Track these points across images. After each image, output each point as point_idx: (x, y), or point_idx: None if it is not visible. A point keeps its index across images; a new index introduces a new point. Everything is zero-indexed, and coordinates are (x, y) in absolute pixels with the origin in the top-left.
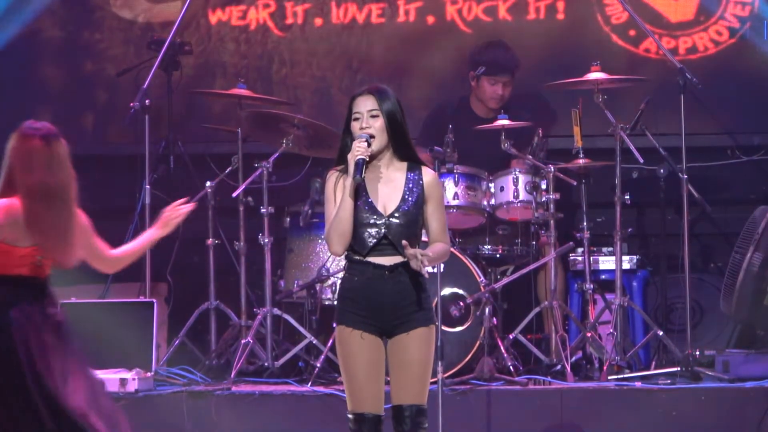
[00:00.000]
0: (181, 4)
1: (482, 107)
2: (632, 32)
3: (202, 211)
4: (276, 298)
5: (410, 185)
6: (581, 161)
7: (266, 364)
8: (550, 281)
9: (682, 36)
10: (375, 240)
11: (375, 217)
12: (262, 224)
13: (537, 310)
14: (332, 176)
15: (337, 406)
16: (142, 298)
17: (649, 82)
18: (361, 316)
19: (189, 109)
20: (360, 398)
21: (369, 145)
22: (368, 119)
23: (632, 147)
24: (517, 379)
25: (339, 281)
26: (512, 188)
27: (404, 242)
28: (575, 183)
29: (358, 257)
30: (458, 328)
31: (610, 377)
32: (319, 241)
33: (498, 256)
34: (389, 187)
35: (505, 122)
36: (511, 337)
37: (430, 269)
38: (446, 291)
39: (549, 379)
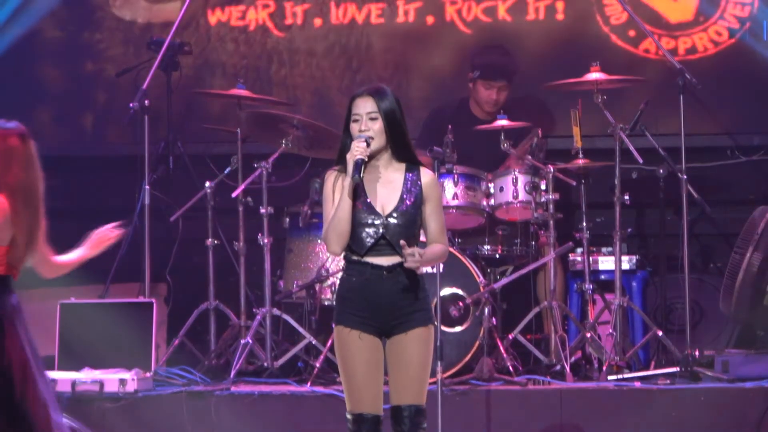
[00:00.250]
0: (181, 5)
1: (480, 109)
2: (632, 32)
3: (202, 211)
4: (275, 298)
5: (408, 186)
6: (581, 161)
7: (266, 364)
8: (549, 281)
9: (681, 36)
10: (373, 240)
11: (373, 217)
12: (261, 224)
13: (536, 310)
14: (331, 176)
15: (337, 407)
16: (141, 299)
17: (648, 83)
18: (359, 317)
19: (188, 110)
20: (359, 398)
21: (368, 145)
22: (367, 122)
23: (632, 147)
24: (516, 379)
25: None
26: (512, 188)
27: (402, 242)
28: (575, 183)
29: (356, 257)
30: (458, 329)
31: (609, 377)
32: (319, 241)
33: (497, 256)
34: (387, 188)
35: (504, 123)
36: (510, 337)
37: (429, 269)
38: (446, 291)
39: (548, 379)
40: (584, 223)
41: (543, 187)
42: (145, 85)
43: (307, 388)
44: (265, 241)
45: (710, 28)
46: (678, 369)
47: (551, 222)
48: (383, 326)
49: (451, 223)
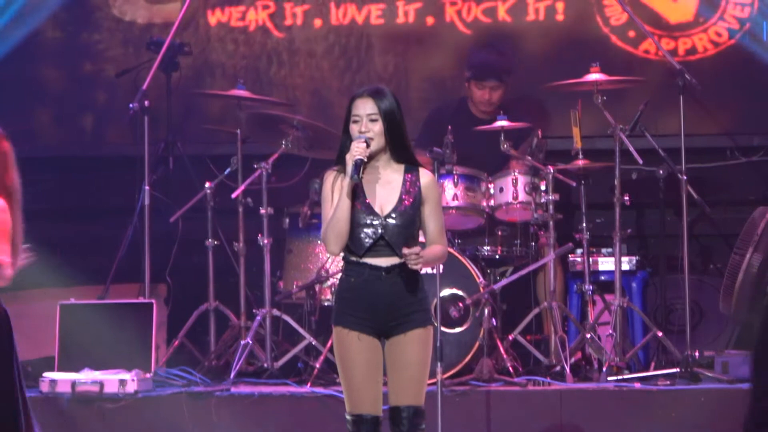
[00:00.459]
0: (180, 5)
1: (478, 109)
2: (632, 33)
3: (202, 212)
4: (275, 299)
5: (407, 186)
6: (580, 162)
7: (265, 365)
8: (549, 282)
9: (681, 37)
10: (372, 241)
11: (372, 217)
12: (261, 225)
13: (536, 311)
14: (330, 176)
15: (337, 407)
16: (141, 299)
17: (648, 84)
18: (358, 318)
19: (188, 110)
20: (358, 399)
21: (368, 146)
22: (367, 123)
23: (631, 148)
24: (516, 380)
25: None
26: (511, 189)
27: (405, 250)
28: (574, 184)
29: (354, 258)
30: (457, 329)
31: (609, 378)
32: (318, 242)
33: (497, 257)
34: (386, 188)
35: (504, 123)
36: (510, 338)
37: (429, 270)
38: (445, 292)
39: (548, 380)
40: (584, 224)
41: (543, 187)
42: (145, 86)
43: (307, 388)
44: (265, 241)
45: (710, 28)
46: (678, 370)
47: (551, 223)
48: (382, 327)
49: (450, 223)
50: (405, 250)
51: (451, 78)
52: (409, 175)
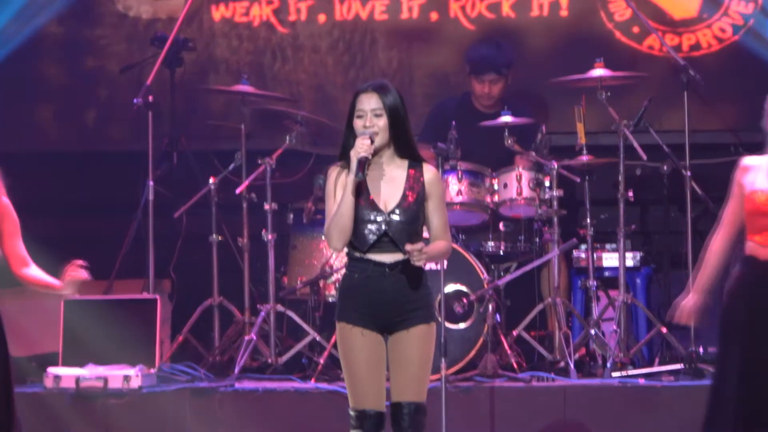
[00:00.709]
0: (184, 1)
1: (480, 103)
2: (636, 29)
3: (206, 207)
4: (279, 294)
5: (411, 182)
6: (584, 158)
7: (269, 360)
8: (553, 278)
9: (685, 33)
10: (375, 237)
11: (375, 213)
12: (265, 221)
13: (540, 306)
14: (333, 172)
15: (341, 403)
16: (145, 295)
17: (652, 79)
18: (361, 313)
19: (192, 106)
20: (361, 395)
21: (372, 142)
22: (371, 118)
23: (635, 144)
24: (520, 376)
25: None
26: (515, 185)
27: (408, 246)
28: (578, 180)
29: (358, 254)
30: (461, 325)
31: (613, 374)
32: (323, 237)
33: (501, 252)
34: (390, 184)
35: (508, 119)
36: (514, 333)
37: (433, 266)
38: (449, 288)
39: (552, 375)
40: (588, 220)
41: (547, 183)
42: (148, 81)
43: (311, 384)
44: (269, 237)
45: (714, 24)
46: (682, 366)
47: (555, 218)
48: (385, 323)
49: (454, 219)
50: (408, 247)
51: (454, 73)
52: (413, 171)
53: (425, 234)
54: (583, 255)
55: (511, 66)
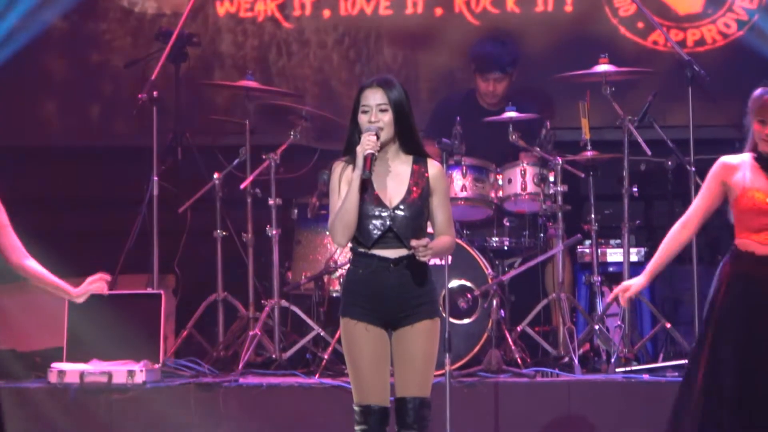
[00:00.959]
0: None
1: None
2: (640, 24)
3: (210, 202)
4: (284, 289)
5: (416, 178)
6: (589, 153)
7: (274, 356)
8: (557, 273)
9: (690, 28)
10: (380, 232)
11: (380, 209)
12: (269, 216)
13: (545, 302)
14: (338, 167)
15: (345, 398)
16: (149, 290)
17: (657, 75)
18: (365, 309)
19: (196, 101)
20: (366, 390)
21: (378, 138)
22: (377, 113)
23: (640, 139)
24: (524, 371)
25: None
26: (520, 180)
27: (413, 242)
28: (583, 175)
29: (362, 249)
30: (466, 320)
31: (617, 370)
32: (327, 233)
33: (505, 248)
34: (395, 180)
35: (513, 114)
36: (518, 329)
37: (438, 261)
38: (454, 283)
39: (557, 371)
40: (592, 215)
41: (551, 178)
42: (153, 76)
43: (315, 379)
44: (274, 232)
45: (719, 20)
46: (686, 361)
47: (559, 214)
48: (389, 318)
49: (459, 214)
50: (414, 242)
51: (459, 69)
52: (417, 167)
53: (429, 229)
54: (587, 250)
55: (516, 64)
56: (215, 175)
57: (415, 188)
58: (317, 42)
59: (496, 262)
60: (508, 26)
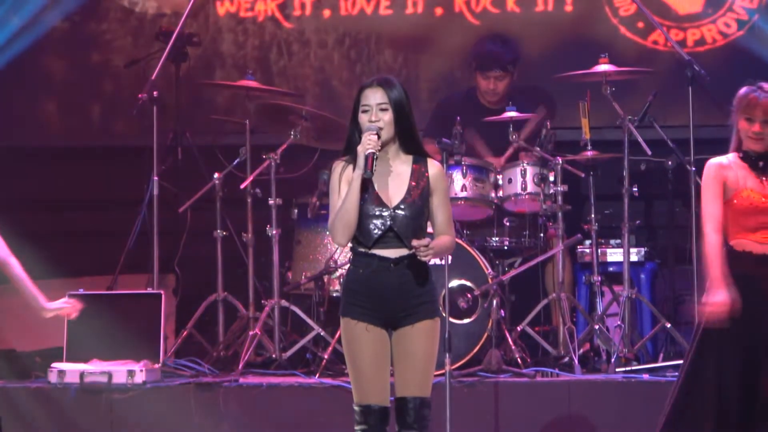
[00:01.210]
0: None
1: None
2: (640, 24)
3: (210, 202)
4: (284, 289)
5: (416, 177)
6: (589, 153)
7: (274, 355)
8: (557, 273)
9: (690, 28)
10: (380, 232)
11: (380, 209)
12: (269, 216)
13: (545, 302)
14: (338, 166)
15: (345, 398)
16: (149, 290)
17: (657, 74)
18: (366, 309)
19: (197, 101)
20: (366, 390)
21: (379, 137)
22: (377, 112)
23: (640, 139)
24: (524, 371)
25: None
26: (520, 180)
27: (414, 242)
28: (583, 175)
29: (363, 249)
30: (466, 320)
31: (617, 369)
32: (327, 233)
33: (506, 247)
34: (395, 179)
35: (513, 114)
36: (518, 329)
37: (438, 261)
38: (454, 283)
39: (557, 371)
40: (593, 215)
41: (551, 178)
42: (153, 76)
43: (315, 379)
44: (274, 232)
45: (719, 19)
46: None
47: (560, 214)
48: (389, 318)
49: (459, 214)
50: (415, 242)
51: (460, 68)
52: (418, 166)
53: (429, 229)
54: (587, 250)
55: (517, 62)
56: (215, 175)
57: (415, 188)
58: (317, 42)
59: (496, 262)
60: (508, 26)
